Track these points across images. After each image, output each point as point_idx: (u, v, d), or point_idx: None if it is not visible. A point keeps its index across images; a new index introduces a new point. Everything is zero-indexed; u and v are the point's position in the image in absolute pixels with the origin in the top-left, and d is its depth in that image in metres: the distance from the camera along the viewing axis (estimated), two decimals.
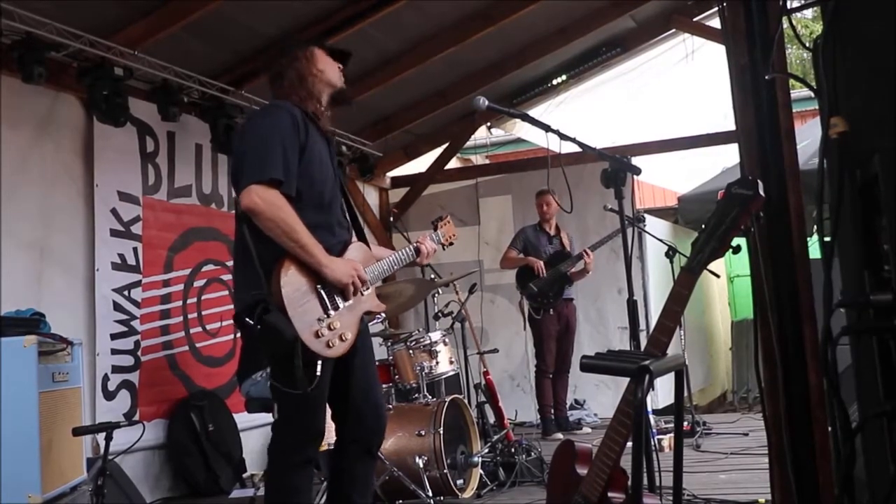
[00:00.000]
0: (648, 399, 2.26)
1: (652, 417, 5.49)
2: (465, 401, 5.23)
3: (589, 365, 2.30)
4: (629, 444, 2.21)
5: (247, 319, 2.75)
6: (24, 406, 3.77)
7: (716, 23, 7.44)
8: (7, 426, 3.68)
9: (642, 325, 4.53)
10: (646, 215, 7.78)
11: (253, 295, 2.81)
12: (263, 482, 5.10)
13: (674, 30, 8.20)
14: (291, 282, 2.85)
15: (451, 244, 3.71)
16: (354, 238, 3.23)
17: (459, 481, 4.82)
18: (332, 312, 2.92)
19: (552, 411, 7.12)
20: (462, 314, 5.87)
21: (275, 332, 2.73)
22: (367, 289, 3.11)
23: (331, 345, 2.89)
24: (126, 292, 5.55)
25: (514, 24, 6.86)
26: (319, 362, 2.85)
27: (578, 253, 7.00)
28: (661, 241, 6.76)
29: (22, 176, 4.96)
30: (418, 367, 5.13)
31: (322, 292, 2.92)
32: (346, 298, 2.99)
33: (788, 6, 2.40)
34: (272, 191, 2.84)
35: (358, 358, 3.15)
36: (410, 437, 4.72)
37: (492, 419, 5.73)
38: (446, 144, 9.08)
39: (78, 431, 4.04)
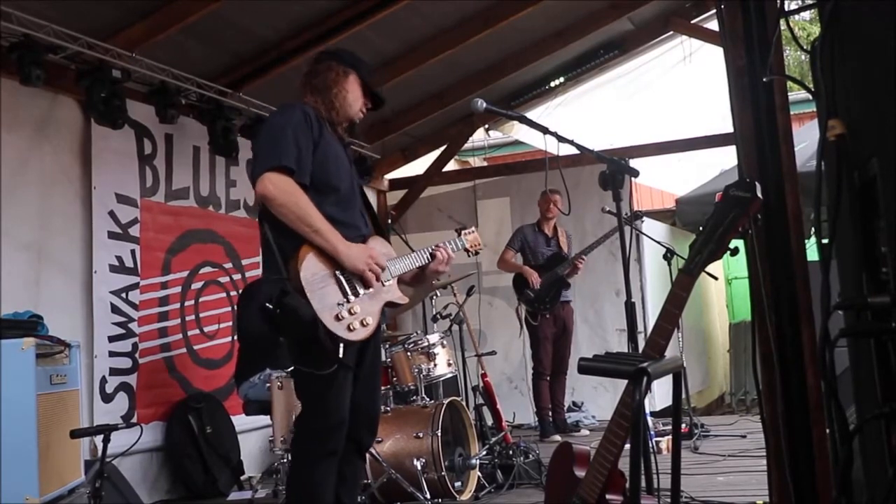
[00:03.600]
0: (646, 401, 2.26)
1: (650, 419, 5.49)
2: (464, 403, 5.24)
3: (587, 367, 2.30)
4: (627, 446, 2.21)
5: (267, 305, 2.81)
6: (23, 408, 3.77)
7: (714, 25, 7.44)
8: (5, 428, 3.67)
9: (640, 328, 4.52)
10: (644, 216, 7.78)
11: (271, 282, 2.89)
12: (272, 483, 5.12)
13: (672, 32, 8.22)
14: (309, 266, 2.91)
15: (476, 252, 3.68)
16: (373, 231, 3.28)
17: (457, 483, 4.82)
18: (352, 297, 2.97)
19: (550, 413, 7.12)
20: (460, 316, 5.87)
21: (293, 313, 2.80)
22: (389, 279, 3.16)
23: (352, 328, 2.94)
24: (124, 294, 5.55)
25: (512, 26, 6.87)
26: (342, 345, 2.90)
27: (571, 259, 7.01)
28: (659, 243, 6.77)
29: (20, 178, 4.95)
30: (416, 370, 5.13)
31: (342, 278, 2.98)
32: (365, 286, 3.03)
33: (786, 8, 2.41)
34: (285, 177, 2.92)
35: (369, 356, 3.20)
36: (408, 439, 4.72)
37: (490, 421, 5.73)
38: (444, 146, 9.09)
39: (76, 433, 4.04)
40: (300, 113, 3.06)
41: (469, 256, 3.71)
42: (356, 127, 3.35)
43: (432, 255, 3.39)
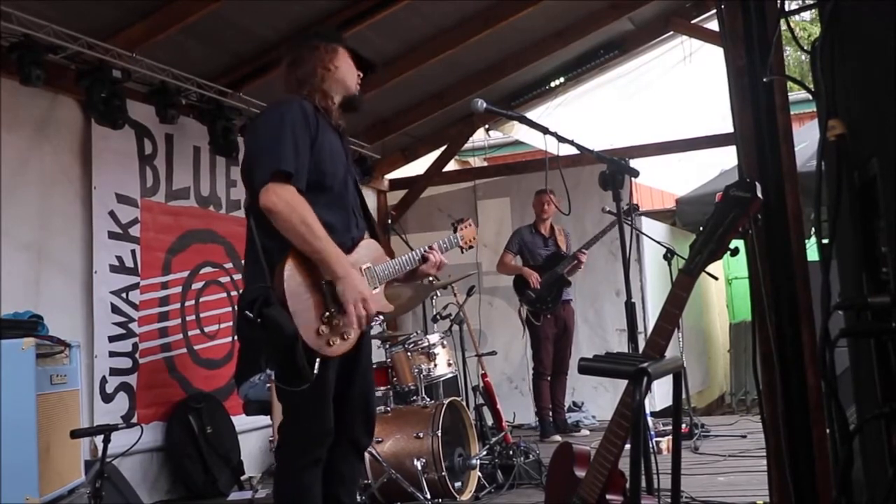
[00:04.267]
0: (646, 401, 2.26)
1: (650, 420, 5.49)
2: (464, 403, 5.23)
3: (587, 367, 2.30)
4: (627, 446, 2.21)
5: (247, 313, 2.71)
6: (23, 408, 3.76)
7: (714, 25, 7.44)
8: (5, 428, 3.67)
9: (640, 328, 4.53)
10: (641, 212, 7.77)
11: (256, 288, 2.78)
12: (272, 484, 5.11)
13: (672, 32, 8.22)
14: (295, 275, 2.80)
15: (470, 247, 3.62)
16: (367, 235, 3.20)
17: (457, 484, 4.82)
18: (334, 310, 2.87)
19: (550, 413, 7.12)
20: (460, 316, 5.87)
21: (274, 325, 2.69)
22: (376, 287, 3.09)
23: (331, 343, 2.85)
24: (124, 294, 5.55)
25: (512, 26, 6.87)
26: (318, 360, 2.81)
27: (572, 254, 7.01)
28: (659, 243, 6.77)
29: (20, 178, 4.95)
30: (416, 370, 5.13)
31: (326, 289, 2.87)
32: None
33: (786, 8, 2.40)
34: (290, 188, 2.81)
35: (362, 360, 3.15)
36: (409, 439, 4.71)
37: (490, 421, 5.73)
38: (445, 146, 9.09)
39: (76, 434, 4.04)
40: (298, 109, 2.94)
41: (463, 252, 3.66)
42: (356, 100, 3.21)
43: (423, 258, 3.32)
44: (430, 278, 5.46)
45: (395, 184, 9.36)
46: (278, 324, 2.70)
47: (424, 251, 3.33)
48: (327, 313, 2.85)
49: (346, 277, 2.85)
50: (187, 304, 6.11)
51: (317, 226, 2.81)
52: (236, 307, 6.05)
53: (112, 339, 5.44)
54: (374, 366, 5.23)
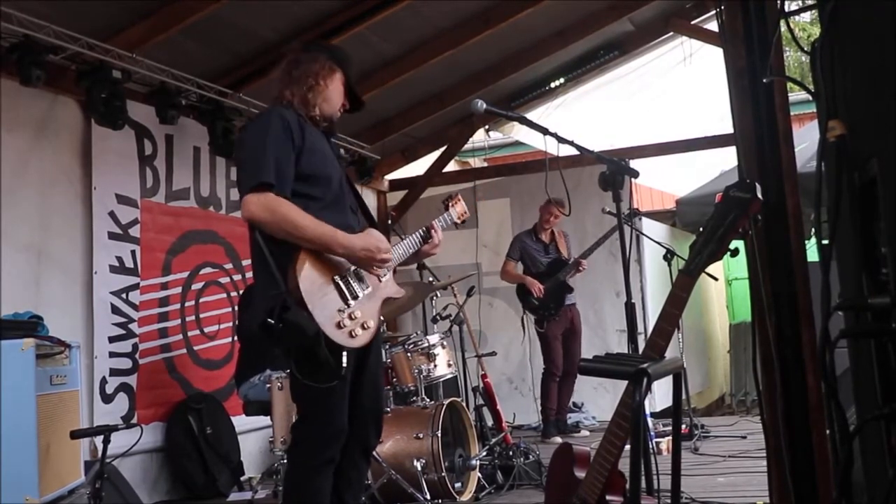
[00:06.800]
0: (646, 402, 2.26)
1: (650, 420, 5.49)
2: (464, 404, 5.23)
3: (587, 368, 2.30)
4: (627, 446, 2.21)
5: (269, 321, 2.75)
6: (23, 409, 3.76)
7: (714, 26, 7.37)
8: (5, 429, 3.67)
9: (640, 328, 4.52)
10: (643, 217, 7.78)
11: (271, 297, 2.81)
12: (272, 484, 5.12)
13: (672, 33, 8.22)
14: (308, 276, 2.86)
15: (463, 222, 3.71)
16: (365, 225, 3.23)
17: (457, 484, 4.82)
18: (352, 302, 2.93)
19: (554, 414, 7.11)
20: (460, 317, 5.87)
21: (297, 328, 2.74)
22: (386, 274, 3.12)
23: (354, 335, 2.90)
24: (124, 295, 5.55)
25: (512, 27, 6.87)
26: (345, 353, 2.86)
27: (573, 261, 7.01)
28: (659, 243, 6.77)
29: (20, 179, 4.95)
30: (416, 370, 5.13)
31: (340, 283, 2.94)
32: (365, 283, 3.00)
33: (786, 9, 2.40)
34: (267, 195, 2.86)
35: (372, 357, 3.16)
36: (408, 440, 4.71)
37: (490, 422, 5.73)
38: (444, 147, 9.09)
39: (76, 434, 4.04)
40: (277, 120, 2.96)
41: (457, 228, 3.74)
42: (332, 125, 3.25)
43: (424, 238, 3.39)
44: (430, 278, 5.52)
45: (395, 184, 9.36)
46: (300, 326, 2.75)
47: (426, 230, 3.39)
48: (346, 306, 2.90)
49: (349, 249, 2.93)
50: (187, 304, 6.11)
51: (300, 217, 2.87)
52: (238, 307, 6.09)
53: (112, 339, 5.44)
54: None
